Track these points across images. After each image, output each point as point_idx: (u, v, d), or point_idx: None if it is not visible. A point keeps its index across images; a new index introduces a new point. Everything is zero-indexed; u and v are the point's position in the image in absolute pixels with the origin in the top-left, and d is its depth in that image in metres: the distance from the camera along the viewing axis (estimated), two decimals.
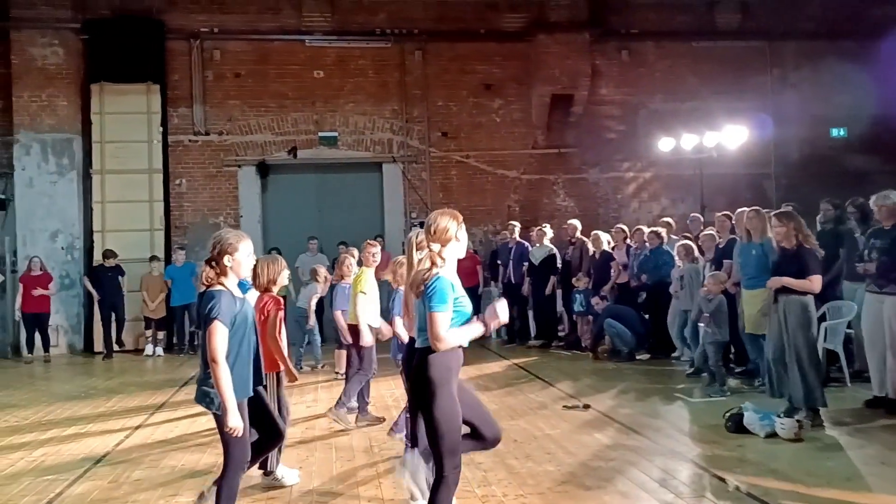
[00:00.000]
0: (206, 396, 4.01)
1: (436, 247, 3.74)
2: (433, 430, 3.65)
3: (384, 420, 6.92)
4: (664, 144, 13.45)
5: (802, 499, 4.65)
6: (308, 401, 8.17)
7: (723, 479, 5.00)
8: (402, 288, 5.91)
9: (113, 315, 12.44)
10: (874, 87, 13.35)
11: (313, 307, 10.22)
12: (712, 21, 14.80)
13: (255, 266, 4.99)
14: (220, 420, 3.96)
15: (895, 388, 6.65)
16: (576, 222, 11.91)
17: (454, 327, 3.68)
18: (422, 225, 4.05)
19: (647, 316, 10.32)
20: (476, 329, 3.76)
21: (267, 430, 4.41)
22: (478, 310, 4.06)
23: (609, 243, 11.13)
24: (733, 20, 14.81)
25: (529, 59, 14.23)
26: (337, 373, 9.36)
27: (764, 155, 14.39)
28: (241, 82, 13.83)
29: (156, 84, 13.35)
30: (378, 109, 14.16)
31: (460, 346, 3.76)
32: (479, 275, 12.85)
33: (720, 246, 8.98)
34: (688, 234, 10.36)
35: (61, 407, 8.31)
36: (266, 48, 13.91)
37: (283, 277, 5.48)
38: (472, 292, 9.87)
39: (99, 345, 12.56)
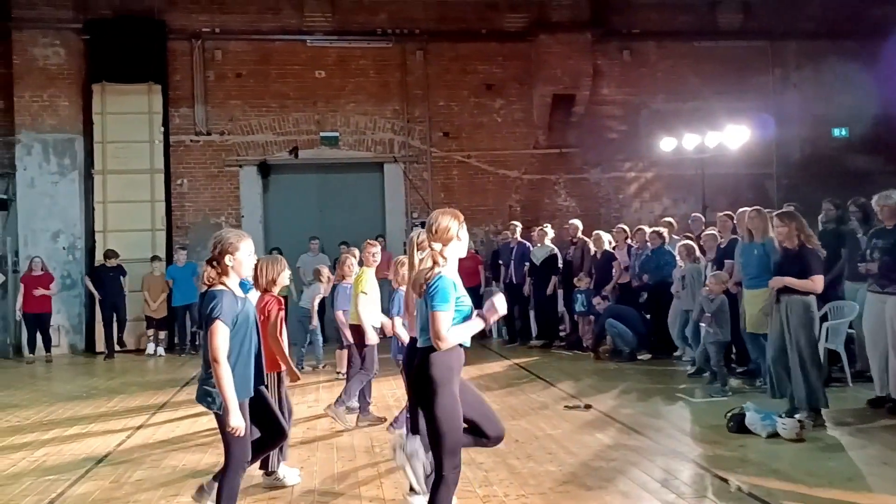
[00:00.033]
0: (208, 396, 4.02)
1: (437, 246, 3.74)
2: (434, 430, 3.65)
3: (385, 420, 6.92)
4: (666, 144, 13.44)
5: (804, 499, 4.65)
6: (310, 401, 8.17)
7: (724, 480, 5.00)
8: (402, 288, 5.92)
9: (114, 315, 12.45)
10: (876, 87, 13.35)
11: (316, 307, 10.23)
12: (714, 21, 14.79)
13: (256, 266, 5.00)
14: (222, 420, 3.96)
15: None
16: (577, 222, 11.90)
17: (454, 325, 3.69)
18: (423, 225, 4.05)
19: (648, 316, 10.31)
20: (476, 325, 3.77)
21: (270, 429, 4.41)
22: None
23: (610, 243, 11.13)
24: (735, 20, 14.80)
25: (531, 59, 14.23)
26: (338, 373, 9.37)
27: (766, 155, 14.37)
28: (242, 82, 13.83)
29: (157, 84, 13.35)
30: (379, 109, 14.16)
31: (462, 346, 3.77)
32: (481, 275, 12.85)
33: (722, 246, 8.97)
34: (689, 234, 10.35)
35: (63, 407, 8.31)
36: (267, 48, 13.91)
37: (284, 277, 5.48)
38: (474, 292, 9.87)
39: (100, 345, 12.57)
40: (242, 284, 4.16)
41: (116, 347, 12.43)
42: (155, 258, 12.75)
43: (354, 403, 7.14)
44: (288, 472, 5.30)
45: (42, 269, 12.17)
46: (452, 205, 12.33)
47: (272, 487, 5.18)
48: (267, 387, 4.63)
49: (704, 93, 14.38)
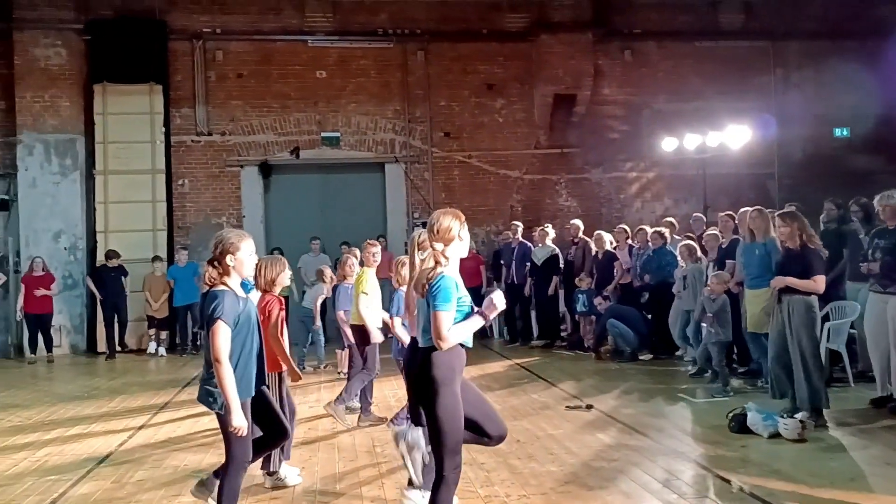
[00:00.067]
0: (210, 396, 4.02)
1: (439, 246, 3.74)
2: (435, 430, 3.65)
3: (387, 420, 6.92)
4: (667, 144, 13.43)
5: (806, 499, 4.64)
6: (311, 401, 8.17)
7: (726, 480, 4.99)
8: (403, 288, 5.91)
9: (115, 315, 12.45)
10: (877, 87, 13.33)
11: (318, 308, 10.23)
12: (715, 21, 14.78)
13: (256, 266, 4.99)
14: (224, 419, 3.96)
15: None
16: (578, 222, 11.90)
17: (455, 324, 3.68)
18: (424, 225, 4.05)
19: (649, 316, 10.31)
20: (476, 322, 3.76)
21: (272, 429, 4.41)
22: None
23: (611, 243, 11.13)
24: (736, 20, 14.80)
25: (532, 59, 14.23)
26: (340, 373, 9.37)
27: (767, 155, 14.35)
28: (243, 83, 13.84)
29: (158, 84, 13.36)
30: (380, 110, 14.16)
31: (464, 346, 3.77)
32: (482, 275, 12.84)
33: (723, 246, 8.96)
34: (691, 234, 10.34)
35: (64, 407, 8.32)
36: (268, 48, 13.92)
37: (284, 278, 5.47)
38: (475, 292, 9.86)
39: (102, 345, 12.58)
40: (244, 284, 4.16)
41: (118, 348, 12.44)
42: (156, 258, 12.76)
43: (355, 403, 7.13)
44: (289, 471, 5.30)
45: (43, 270, 12.18)
46: (453, 205, 12.33)
47: (273, 487, 5.18)
48: (268, 387, 4.63)
49: (706, 93, 14.37)
